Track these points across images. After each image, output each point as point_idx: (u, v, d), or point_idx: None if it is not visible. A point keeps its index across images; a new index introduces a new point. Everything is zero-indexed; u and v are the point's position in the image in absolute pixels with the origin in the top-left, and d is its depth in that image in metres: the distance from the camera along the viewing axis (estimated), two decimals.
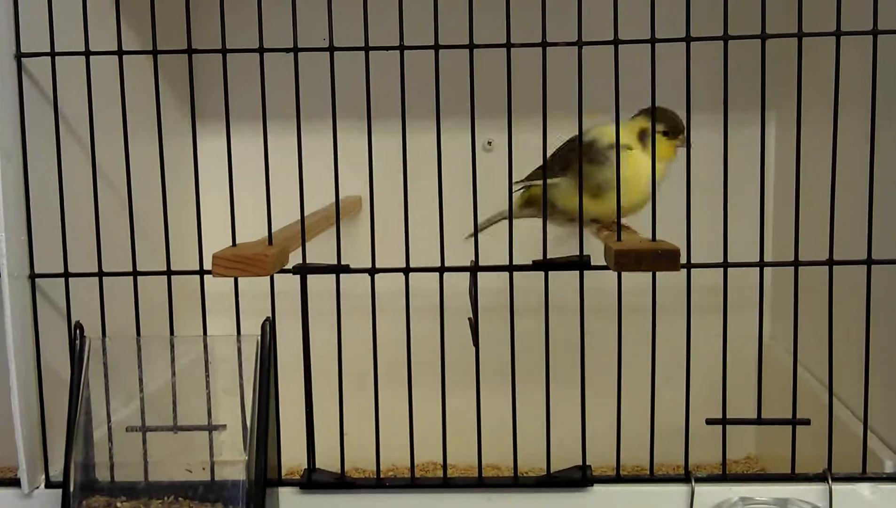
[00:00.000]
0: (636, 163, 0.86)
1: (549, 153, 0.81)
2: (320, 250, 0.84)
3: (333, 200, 0.80)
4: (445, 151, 0.78)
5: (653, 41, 0.75)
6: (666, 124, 0.87)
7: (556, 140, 0.86)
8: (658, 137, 0.85)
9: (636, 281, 0.79)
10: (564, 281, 0.81)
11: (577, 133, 0.81)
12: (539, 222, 0.82)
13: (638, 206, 0.86)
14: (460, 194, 0.82)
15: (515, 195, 0.93)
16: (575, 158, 0.82)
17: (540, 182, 0.86)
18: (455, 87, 0.82)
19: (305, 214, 0.96)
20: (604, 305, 0.81)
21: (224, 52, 0.76)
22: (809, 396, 0.91)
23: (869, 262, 0.77)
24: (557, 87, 0.78)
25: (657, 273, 0.78)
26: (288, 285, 0.81)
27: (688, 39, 0.75)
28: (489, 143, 1.19)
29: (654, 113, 0.81)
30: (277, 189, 0.80)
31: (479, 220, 0.84)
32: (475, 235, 0.83)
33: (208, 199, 0.84)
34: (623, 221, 0.83)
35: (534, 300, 0.81)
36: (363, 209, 1.15)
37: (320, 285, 0.82)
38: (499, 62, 0.77)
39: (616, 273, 0.76)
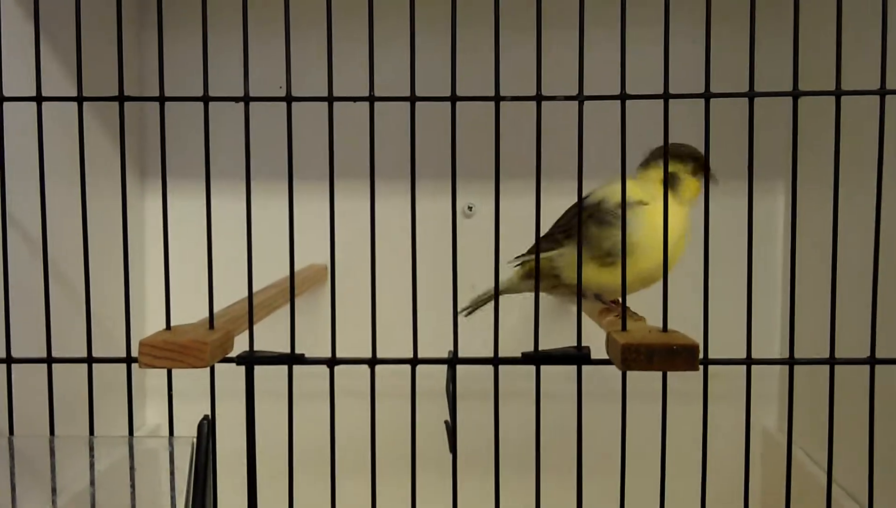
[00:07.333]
0: (652, 221, 0.72)
1: (546, 220, 0.70)
2: (278, 329, 0.72)
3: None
4: (420, 217, 0.67)
5: (666, 97, 0.64)
6: (693, 162, 0.76)
7: (553, 209, 0.75)
8: (686, 178, 0.77)
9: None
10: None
11: (580, 198, 0.68)
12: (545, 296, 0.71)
13: (658, 274, 0.69)
14: (436, 266, 0.70)
15: (518, 268, 0.82)
16: (582, 223, 0.69)
17: (547, 254, 0.76)
18: (433, 144, 0.76)
19: (261, 287, 0.84)
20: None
21: (162, 100, 0.64)
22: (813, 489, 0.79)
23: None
24: (551, 147, 0.68)
25: None
26: (232, 371, 0.69)
27: (707, 96, 0.63)
28: (469, 207, 1.07)
29: (666, 157, 0.66)
30: (228, 258, 0.73)
31: (464, 299, 0.73)
32: (454, 316, 0.68)
33: (156, 270, 0.72)
34: (633, 296, 0.71)
35: (520, 385, 0.69)
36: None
37: (270, 370, 0.69)
38: (484, 117, 0.66)
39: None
